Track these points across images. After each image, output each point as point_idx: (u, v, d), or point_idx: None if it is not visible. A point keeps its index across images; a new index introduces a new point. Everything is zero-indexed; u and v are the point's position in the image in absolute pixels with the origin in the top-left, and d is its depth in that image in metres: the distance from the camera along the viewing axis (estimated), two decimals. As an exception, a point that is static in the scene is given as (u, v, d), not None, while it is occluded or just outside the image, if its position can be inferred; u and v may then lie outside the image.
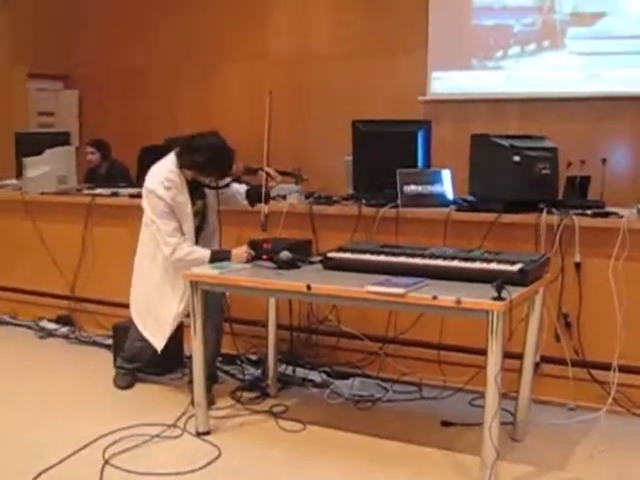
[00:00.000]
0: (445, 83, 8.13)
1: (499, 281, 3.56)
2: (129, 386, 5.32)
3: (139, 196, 5.40)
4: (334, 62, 8.56)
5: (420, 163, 5.53)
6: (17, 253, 7.10)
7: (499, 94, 7.90)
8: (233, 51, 9.35)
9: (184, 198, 4.87)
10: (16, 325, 6.93)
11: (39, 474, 3.92)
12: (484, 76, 7.98)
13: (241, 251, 4.75)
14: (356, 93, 8.34)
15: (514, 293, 3.64)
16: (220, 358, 5.47)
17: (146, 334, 5.06)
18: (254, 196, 5.07)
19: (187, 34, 9.53)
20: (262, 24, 9.19)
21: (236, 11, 9.29)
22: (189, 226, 4.89)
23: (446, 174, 5.44)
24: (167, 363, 5.46)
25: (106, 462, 4.06)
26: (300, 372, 5.35)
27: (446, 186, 5.41)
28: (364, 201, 5.40)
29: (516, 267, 3.92)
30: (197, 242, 4.94)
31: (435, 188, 5.36)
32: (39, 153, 6.89)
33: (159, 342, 5.02)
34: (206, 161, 4.76)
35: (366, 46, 8.40)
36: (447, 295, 3.67)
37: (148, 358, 5.27)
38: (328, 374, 5.32)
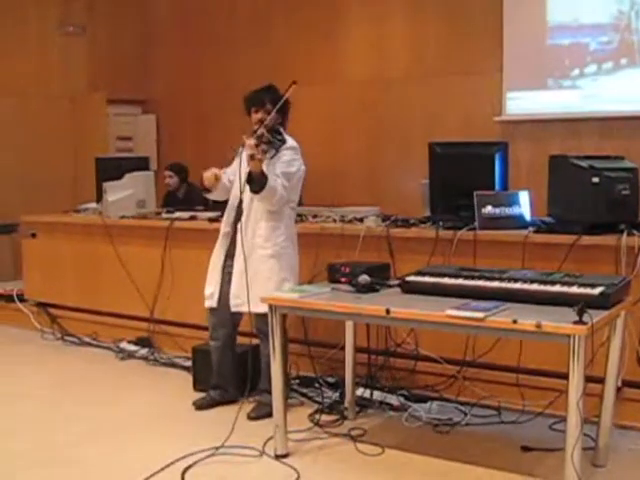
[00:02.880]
0: (521, 103, 8.07)
1: (581, 305, 3.51)
2: (206, 407, 5.34)
3: (217, 220, 5.48)
4: (409, 83, 8.56)
5: (497, 185, 5.47)
6: (98, 276, 7.26)
7: (576, 113, 7.81)
8: (307, 75, 9.40)
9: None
10: (97, 346, 7.07)
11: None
12: (560, 95, 7.90)
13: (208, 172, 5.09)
14: (431, 114, 8.33)
15: (595, 317, 3.58)
16: (298, 380, 5.51)
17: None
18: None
19: (260, 59, 9.62)
20: (336, 47, 9.24)
21: (309, 35, 9.35)
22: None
23: (524, 195, 5.39)
24: (245, 385, 5.49)
25: (185, 484, 4.12)
26: (378, 395, 5.32)
27: (524, 208, 5.36)
28: (441, 224, 5.38)
29: (597, 290, 3.87)
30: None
31: (513, 210, 5.31)
32: (119, 178, 7.05)
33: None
34: None
35: (441, 67, 8.39)
36: (527, 319, 3.63)
37: (227, 372, 5.40)
38: (406, 397, 5.29)
